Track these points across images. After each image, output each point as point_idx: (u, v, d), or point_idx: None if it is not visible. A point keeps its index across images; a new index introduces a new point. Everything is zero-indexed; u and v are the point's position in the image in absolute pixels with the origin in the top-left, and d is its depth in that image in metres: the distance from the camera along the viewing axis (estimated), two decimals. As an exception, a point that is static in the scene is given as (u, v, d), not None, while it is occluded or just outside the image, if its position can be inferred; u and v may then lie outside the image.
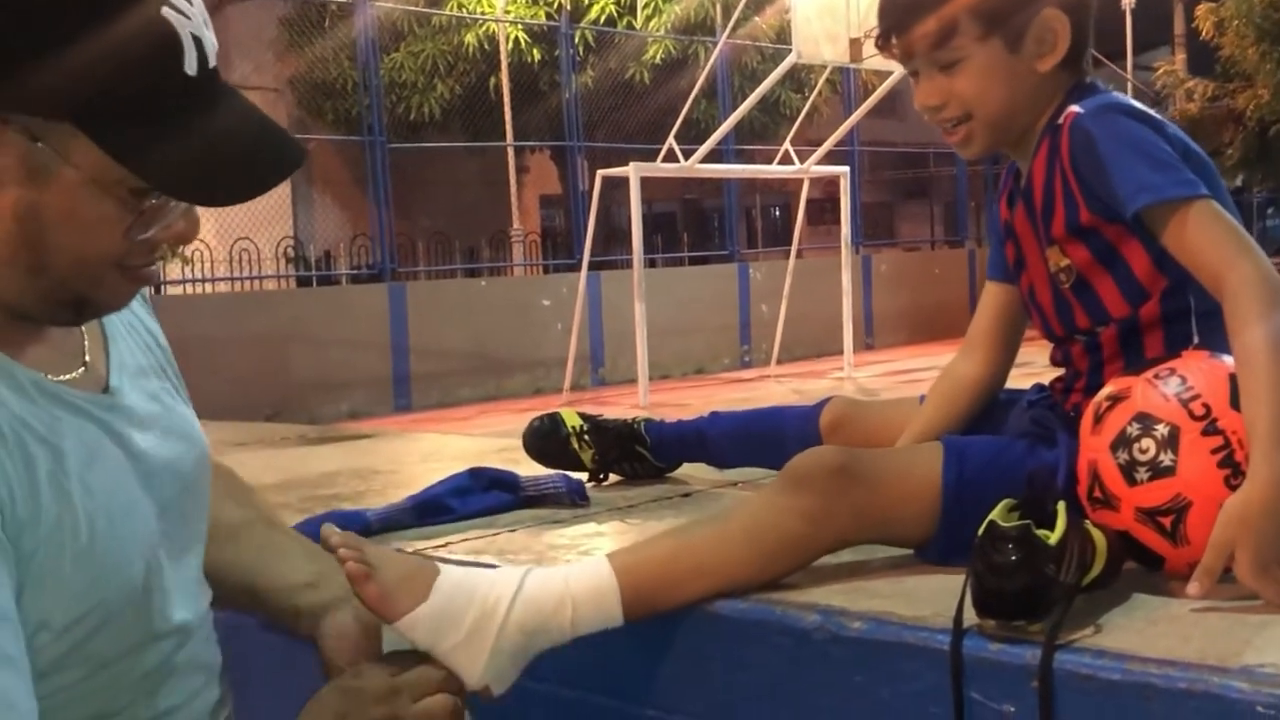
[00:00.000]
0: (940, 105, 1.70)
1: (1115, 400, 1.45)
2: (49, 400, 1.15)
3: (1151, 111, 1.62)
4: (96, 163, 1.08)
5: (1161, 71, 17.10)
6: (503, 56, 14.77)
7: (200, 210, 1.20)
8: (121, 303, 1.21)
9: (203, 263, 12.27)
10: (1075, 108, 1.63)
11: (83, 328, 1.25)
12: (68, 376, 1.19)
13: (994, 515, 1.31)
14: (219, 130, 1.12)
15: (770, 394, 11.88)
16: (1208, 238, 1.49)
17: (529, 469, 2.20)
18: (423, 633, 1.36)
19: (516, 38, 14.96)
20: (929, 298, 17.45)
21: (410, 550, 1.76)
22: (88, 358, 1.24)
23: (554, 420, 2.26)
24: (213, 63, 1.12)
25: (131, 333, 1.32)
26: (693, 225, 21.94)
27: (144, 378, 1.30)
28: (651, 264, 14.08)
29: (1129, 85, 16.64)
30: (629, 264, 11.63)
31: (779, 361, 13.76)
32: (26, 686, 1.05)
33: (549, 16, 15.20)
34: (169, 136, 1.09)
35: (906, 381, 12.25)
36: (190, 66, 1.09)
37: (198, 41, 1.10)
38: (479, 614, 1.36)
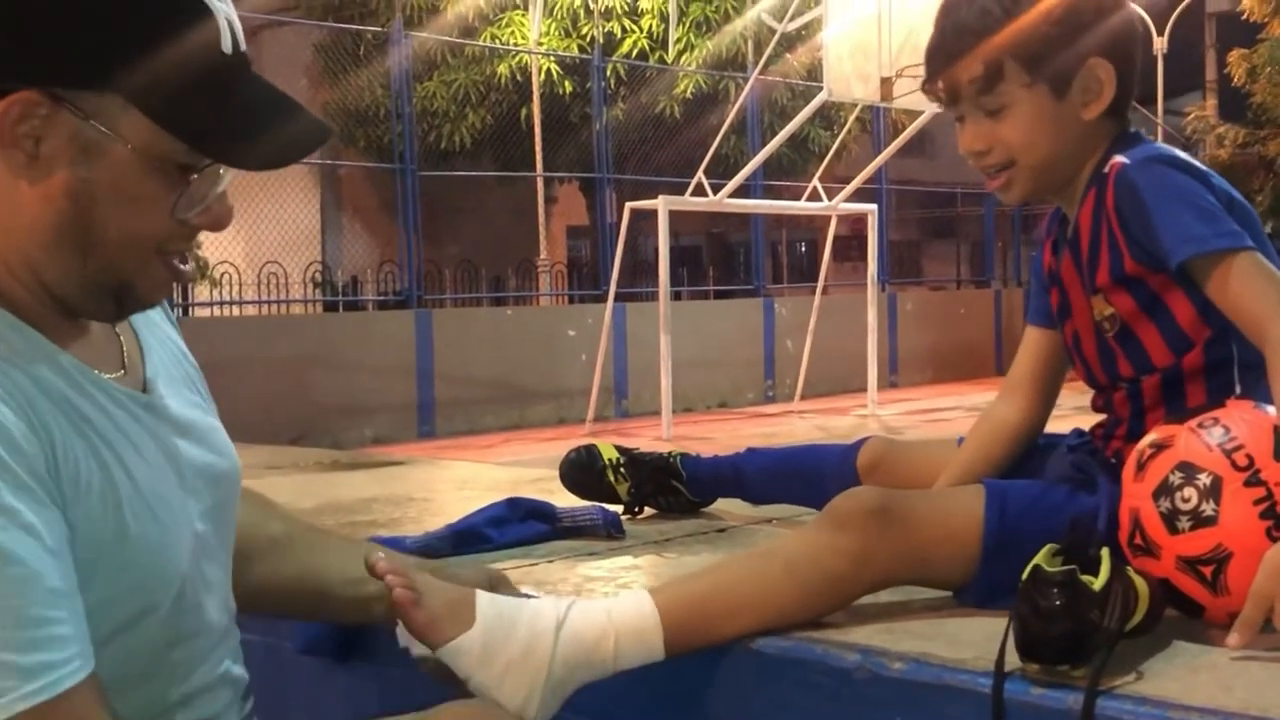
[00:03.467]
0: (985, 151, 1.71)
1: (1158, 448, 1.45)
2: (95, 389, 1.19)
3: (1196, 162, 1.63)
4: (145, 136, 1.13)
5: (1193, 117, 17.09)
6: (535, 88, 14.85)
7: (229, 232, 1.25)
8: (160, 294, 1.25)
9: (231, 285, 12.34)
10: (1121, 158, 1.64)
11: (120, 336, 1.28)
12: (110, 375, 1.23)
13: (1038, 560, 1.32)
14: (256, 101, 1.19)
15: (794, 430, 11.86)
16: (1251, 289, 1.50)
17: (564, 499, 2.22)
18: (466, 660, 1.37)
19: (549, 69, 15.05)
20: (954, 337, 17.41)
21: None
22: (127, 361, 1.27)
23: (591, 452, 2.27)
24: (243, 47, 1.19)
25: (163, 346, 1.36)
26: (718, 259, 21.95)
27: (177, 388, 1.33)
28: (677, 296, 14.11)
29: (1159, 129, 16.61)
30: (655, 296, 11.66)
31: (803, 397, 13.74)
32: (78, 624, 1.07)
33: (581, 49, 15.28)
34: (213, 106, 1.15)
35: (930, 420, 12.21)
36: (226, 45, 1.16)
37: (230, 24, 1.17)
38: (523, 645, 1.38)
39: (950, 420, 11.82)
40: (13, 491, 1.04)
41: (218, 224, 1.22)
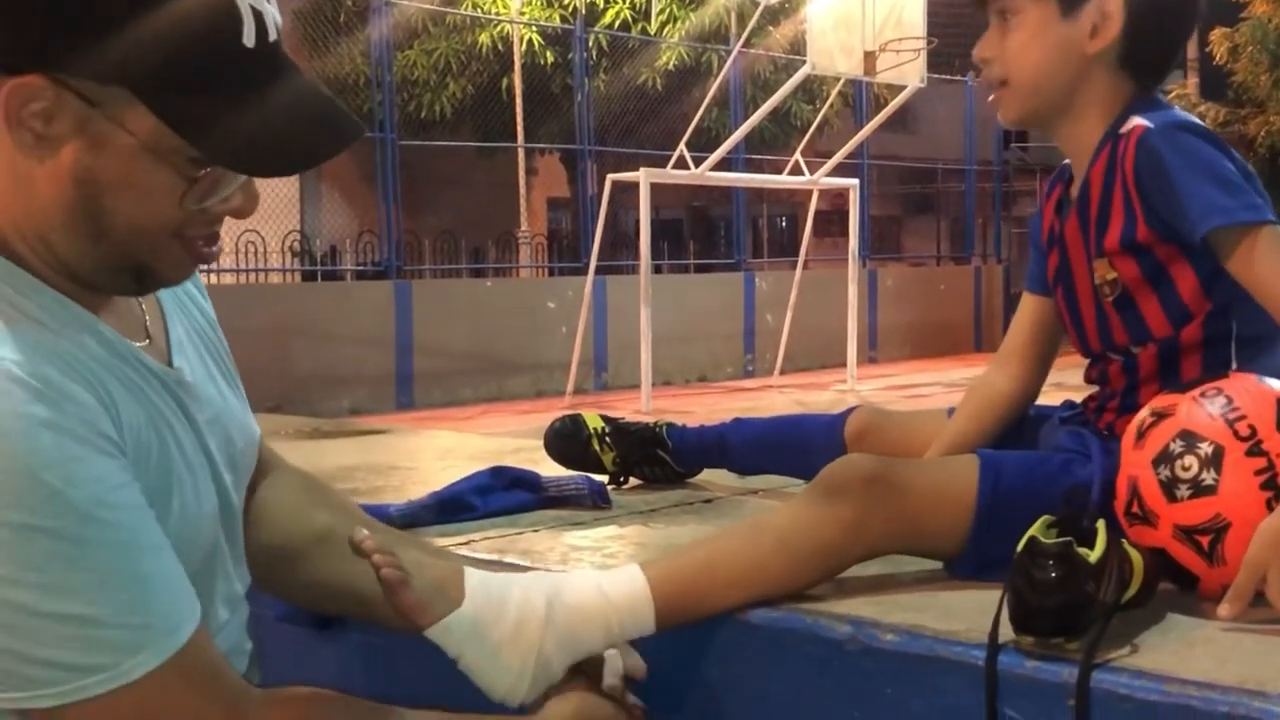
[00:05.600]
0: (990, 59, 1.69)
1: (1159, 416, 1.43)
2: (134, 360, 1.18)
3: (1215, 133, 1.61)
4: (151, 130, 1.08)
5: (1173, 95, 17.07)
6: (516, 58, 14.77)
7: None
8: (182, 275, 1.22)
9: (209, 253, 12.25)
10: (1142, 120, 1.61)
11: (143, 306, 1.26)
12: (138, 344, 1.21)
13: (1034, 531, 1.30)
14: (273, 103, 1.12)
15: (773, 404, 11.86)
16: (1275, 263, 1.49)
17: (548, 469, 2.19)
18: (455, 639, 1.34)
19: (530, 39, 14.97)
20: (933, 313, 17.45)
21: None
22: (150, 330, 1.25)
23: (576, 421, 2.24)
24: (273, 36, 1.12)
25: (187, 315, 1.33)
26: (699, 233, 21.91)
27: (200, 361, 1.31)
28: (657, 270, 14.08)
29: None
30: (635, 269, 11.64)
31: (782, 372, 13.76)
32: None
33: (564, 19, 15.20)
34: (222, 106, 1.09)
35: (909, 396, 12.24)
36: (248, 38, 1.09)
37: (258, 15, 1.10)
38: (514, 624, 1.34)
39: (929, 396, 11.86)
40: (98, 457, 1.06)
41: (241, 212, 1.18)
